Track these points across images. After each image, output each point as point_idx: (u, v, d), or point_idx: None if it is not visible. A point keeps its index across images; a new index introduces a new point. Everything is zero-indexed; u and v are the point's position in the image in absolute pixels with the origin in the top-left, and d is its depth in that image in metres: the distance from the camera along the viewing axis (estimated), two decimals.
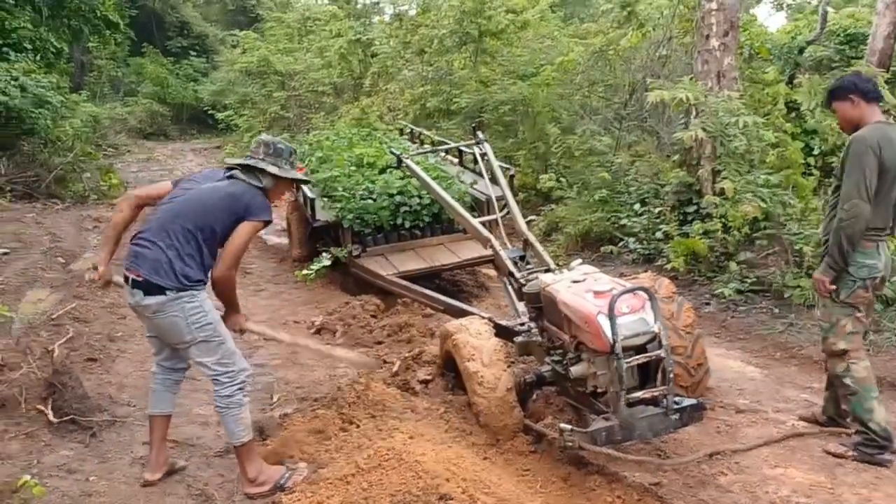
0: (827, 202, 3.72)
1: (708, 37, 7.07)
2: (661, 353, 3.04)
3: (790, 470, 3.40)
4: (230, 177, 3.23)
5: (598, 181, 8.20)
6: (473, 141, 6.27)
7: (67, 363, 4.11)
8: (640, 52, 9.52)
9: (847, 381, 3.47)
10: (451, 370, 4.01)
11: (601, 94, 10.31)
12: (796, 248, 5.84)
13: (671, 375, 3.03)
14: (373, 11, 21.02)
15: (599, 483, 3.13)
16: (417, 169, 5.70)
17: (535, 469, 3.28)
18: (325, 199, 6.48)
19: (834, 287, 3.45)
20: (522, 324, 3.95)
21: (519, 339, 3.86)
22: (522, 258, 4.41)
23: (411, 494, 2.65)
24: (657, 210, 7.33)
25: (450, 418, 3.64)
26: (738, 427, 3.88)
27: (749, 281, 6.13)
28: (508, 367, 3.59)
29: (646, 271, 5.71)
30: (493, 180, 5.64)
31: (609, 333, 2.99)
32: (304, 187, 6.56)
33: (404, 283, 5.74)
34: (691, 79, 6.88)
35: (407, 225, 6.46)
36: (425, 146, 8.22)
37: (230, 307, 3.28)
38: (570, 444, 3.06)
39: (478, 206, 6.56)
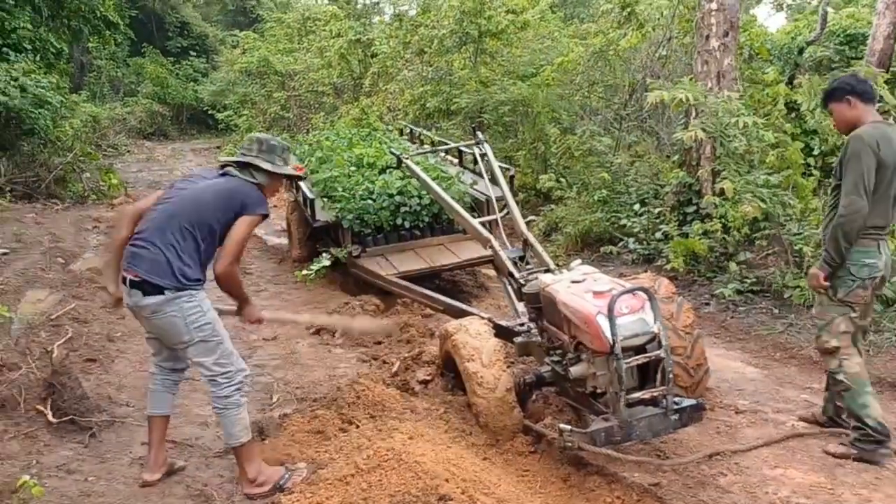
0: (826, 203, 3.73)
1: (708, 37, 7.07)
2: (661, 353, 3.04)
3: (790, 470, 3.40)
4: (224, 174, 3.23)
5: (598, 181, 8.20)
6: (473, 141, 6.28)
7: (67, 363, 4.11)
8: (639, 53, 9.52)
9: (840, 377, 3.50)
10: (450, 370, 4.01)
11: (601, 94, 10.32)
12: (796, 248, 5.84)
13: (671, 376, 3.03)
14: (373, 11, 21.03)
15: (599, 483, 3.13)
16: (417, 169, 5.70)
17: (535, 469, 3.28)
18: (325, 200, 6.48)
19: (827, 283, 3.46)
20: (522, 324, 3.95)
21: (518, 339, 3.86)
22: (522, 258, 4.41)
23: (411, 495, 2.65)
24: (657, 210, 7.33)
25: (449, 419, 3.64)
26: (737, 427, 3.88)
27: (749, 281, 6.13)
28: (508, 367, 3.59)
29: (645, 271, 5.73)
30: (493, 181, 5.64)
31: (608, 334, 2.99)
32: (304, 188, 6.56)
33: (404, 283, 5.74)
34: (691, 79, 6.88)
35: (407, 225, 6.46)
36: (425, 146, 8.22)
37: (240, 300, 3.29)
38: (570, 444, 3.06)
39: (477, 206, 6.56)
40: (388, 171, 6.76)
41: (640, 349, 3.11)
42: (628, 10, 8.99)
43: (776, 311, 5.78)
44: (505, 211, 5.06)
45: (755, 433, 3.80)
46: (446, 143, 7.94)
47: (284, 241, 8.64)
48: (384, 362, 4.80)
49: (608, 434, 2.98)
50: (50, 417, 3.64)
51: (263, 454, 3.31)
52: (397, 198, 6.39)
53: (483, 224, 4.87)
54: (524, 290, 3.90)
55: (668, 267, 6.44)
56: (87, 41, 16.42)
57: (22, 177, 9.89)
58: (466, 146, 6.98)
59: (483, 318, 4.02)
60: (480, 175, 6.13)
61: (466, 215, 4.99)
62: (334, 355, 5.13)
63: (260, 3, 28.22)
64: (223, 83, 21.20)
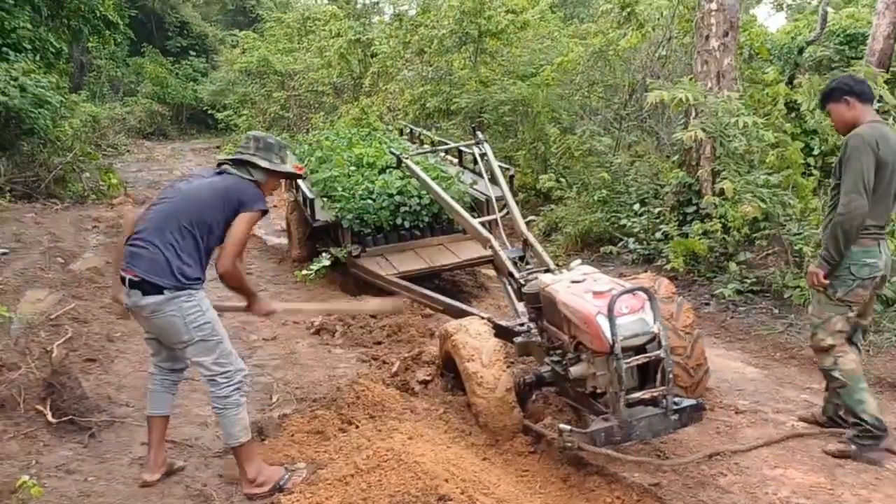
0: (826, 203, 3.73)
1: (707, 37, 7.07)
2: (661, 353, 3.04)
3: (790, 471, 3.39)
4: (221, 172, 3.23)
5: (598, 181, 8.20)
6: (473, 141, 6.27)
7: (66, 363, 4.10)
8: (639, 53, 9.53)
9: (836, 374, 3.51)
10: (450, 370, 4.01)
11: (601, 94, 10.32)
12: (796, 248, 5.83)
13: (670, 376, 3.03)
14: (373, 11, 21.01)
15: (599, 484, 3.13)
16: (417, 169, 5.70)
17: (535, 470, 3.27)
18: (325, 200, 6.48)
19: (827, 281, 3.46)
20: (522, 324, 3.95)
21: (518, 339, 3.86)
22: (522, 258, 4.41)
23: (410, 495, 2.65)
24: (657, 210, 7.33)
25: (449, 419, 3.64)
26: (737, 428, 3.87)
27: (749, 281, 6.13)
28: (508, 367, 3.59)
29: (645, 271, 5.73)
30: (493, 180, 5.64)
31: (608, 334, 2.99)
32: (304, 187, 6.56)
33: (404, 283, 5.74)
34: (691, 79, 6.88)
35: (406, 225, 6.46)
36: (425, 146, 8.22)
37: (248, 296, 3.30)
38: (570, 444, 3.06)
39: (477, 206, 6.56)
40: (387, 170, 6.76)
41: (639, 349, 3.10)
42: (628, 10, 8.99)
43: (776, 311, 5.77)
44: (505, 211, 5.06)
45: (755, 433, 3.80)
46: (446, 143, 7.94)
47: (284, 240, 8.63)
48: (384, 362, 4.79)
49: (608, 434, 2.98)
50: (49, 417, 3.63)
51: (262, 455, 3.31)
52: (397, 198, 6.39)
53: (483, 224, 4.87)
54: (524, 290, 3.90)
55: (668, 267, 6.44)
56: (87, 41, 16.40)
57: (21, 176, 9.89)
58: (466, 146, 6.98)
59: (483, 318, 4.01)
60: (480, 175, 6.13)
61: (466, 215, 4.99)
62: (334, 355, 5.12)
63: (260, 2, 28.22)
64: (223, 83, 21.20)
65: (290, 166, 3.36)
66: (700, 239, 6.41)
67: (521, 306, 4.12)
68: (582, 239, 8.08)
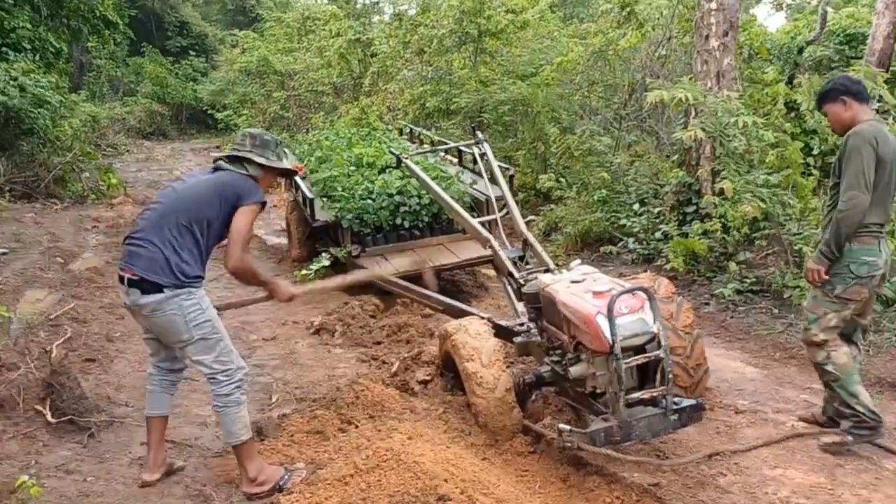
0: (826, 202, 3.73)
1: (707, 37, 7.06)
2: (661, 353, 3.04)
3: (790, 471, 3.39)
4: (216, 169, 3.23)
5: (598, 181, 8.19)
6: (473, 141, 6.27)
7: (66, 363, 4.10)
8: (639, 53, 9.52)
9: (829, 367, 3.52)
10: (450, 370, 4.01)
11: (600, 94, 10.31)
12: (796, 248, 5.83)
13: (670, 376, 3.03)
14: (372, 11, 21.01)
15: (598, 484, 3.13)
16: (417, 169, 5.69)
17: (534, 470, 3.27)
18: (325, 199, 6.48)
19: (826, 277, 3.46)
20: (522, 324, 3.94)
21: (518, 339, 3.86)
22: (522, 258, 4.41)
23: (410, 495, 2.65)
24: (657, 210, 7.33)
25: (449, 419, 3.64)
26: (737, 428, 3.87)
27: (748, 281, 6.13)
28: (507, 367, 3.59)
29: (645, 271, 5.72)
30: (493, 180, 5.63)
31: (608, 334, 2.98)
32: (304, 187, 6.55)
33: (404, 283, 5.73)
34: (690, 79, 6.87)
35: (406, 225, 6.46)
36: (425, 146, 8.22)
37: (263, 285, 3.30)
38: (569, 444, 3.06)
39: (477, 206, 6.55)
40: (387, 170, 6.76)
41: (639, 349, 3.10)
42: (628, 9, 8.98)
43: (776, 310, 5.77)
44: (504, 211, 5.06)
45: (755, 433, 3.80)
46: (446, 143, 7.94)
47: (284, 240, 8.63)
48: (383, 362, 4.79)
49: (608, 434, 2.98)
50: (49, 417, 3.63)
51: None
52: (397, 197, 6.39)
53: (483, 224, 4.87)
54: (524, 289, 3.89)
55: (668, 267, 6.44)
56: (87, 41, 16.41)
57: (21, 176, 9.90)
58: (466, 146, 6.98)
59: (483, 318, 4.01)
60: (480, 175, 6.13)
61: (466, 215, 4.99)
62: (333, 355, 5.12)
63: (259, 2, 28.21)
64: (222, 83, 21.17)
65: (286, 163, 3.36)
66: (700, 239, 6.41)
67: (520, 306, 4.12)
68: (582, 239, 8.07)
